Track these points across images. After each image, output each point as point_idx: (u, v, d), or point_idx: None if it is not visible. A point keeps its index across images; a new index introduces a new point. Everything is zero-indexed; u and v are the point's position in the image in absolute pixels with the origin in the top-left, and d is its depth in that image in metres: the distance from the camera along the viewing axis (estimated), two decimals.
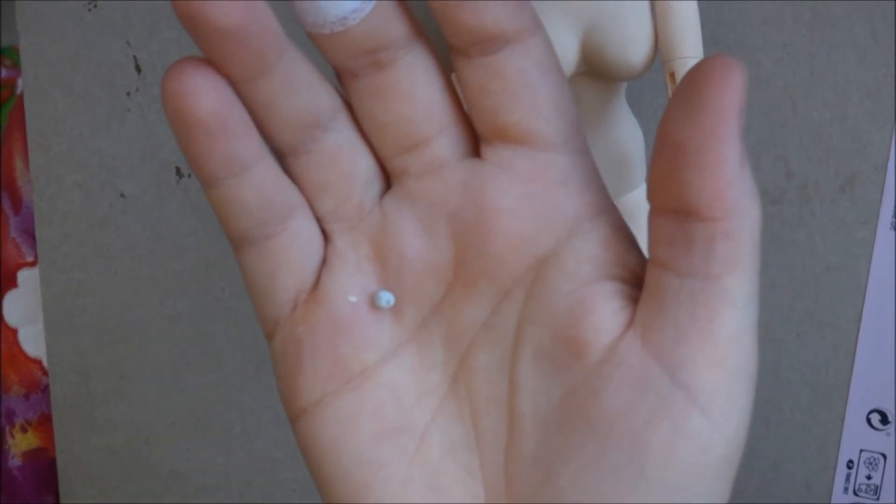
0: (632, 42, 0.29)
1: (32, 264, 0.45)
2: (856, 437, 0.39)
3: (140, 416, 0.45)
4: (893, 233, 0.36)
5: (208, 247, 0.43)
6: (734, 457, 0.21)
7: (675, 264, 0.20)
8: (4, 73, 0.45)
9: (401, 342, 0.23)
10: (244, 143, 0.21)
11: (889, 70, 0.35)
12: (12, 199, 0.45)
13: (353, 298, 0.23)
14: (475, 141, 0.23)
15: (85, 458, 0.46)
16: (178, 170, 0.42)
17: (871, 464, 0.39)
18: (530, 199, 0.22)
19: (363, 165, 0.23)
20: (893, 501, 0.39)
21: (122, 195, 0.42)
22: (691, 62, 0.29)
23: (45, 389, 0.46)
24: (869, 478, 0.39)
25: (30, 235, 0.44)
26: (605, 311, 0.21)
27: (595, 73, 0.30)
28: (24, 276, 0.45)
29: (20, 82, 0.44)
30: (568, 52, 0.30)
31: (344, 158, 0.22)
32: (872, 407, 0.38)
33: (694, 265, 0.20)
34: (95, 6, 0.41)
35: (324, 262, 0.23)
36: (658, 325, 0.20)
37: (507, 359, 0.22)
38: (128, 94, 0.41)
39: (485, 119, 0.22)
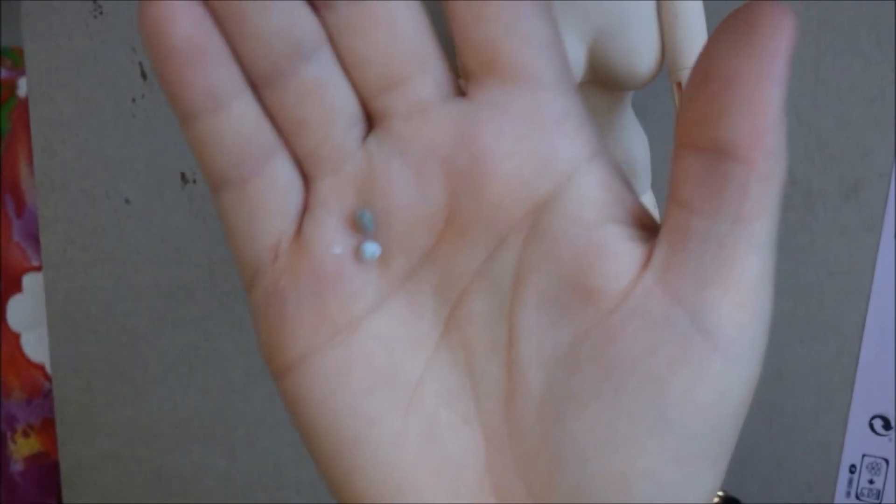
0: (639, 52, 0.29)
1: (38, 269, 0.45)
2: (858, 442, 0.39)
3: (143, 420, 0.45)
4: None
5: (213, 252, 0.43)
6: (748, 402, 0.20)
7: (702, 206, 0.19)
8: (4, 73, 0.45)
9: (389, 292, 0.22)
10: (222, 74, 0.20)
11: (893, 77, 0.35)
12: (16, 202, 0.45)
13: (337, 249, 0.22)
14: (457, 83, 0.22)
15: (88, 462, 0.46)
16: (182, 175, 0.42)
17: (873, 468, 0.39)
18: (526, 140, 0.21)
19: (346, 103, 0.21)
20: None
21: (127, 201, 0.42)
22: None
23: (48, 394, 0.46)
24: (871, 482, 0.39)
25: (34, 239, 0.44)
26: (617, 256, 0.20)
27: (602, 81, 0.31)
28: (28, 280, 0.45)
29: (20, 83, 0.44)
30: (575, 61, 0.30)
31: (325, 94, 0.21)
32: (875, 412, 0.38)
33: (724, 207, 0.19)
34: (101, 13, 0.41)
35: (305, 208, 0.22)
36: (679, 267, 0.20)
37: (505, 306, 0.21)
38: (133, 100, 0.41)
39: (476, 51, 0.21)
